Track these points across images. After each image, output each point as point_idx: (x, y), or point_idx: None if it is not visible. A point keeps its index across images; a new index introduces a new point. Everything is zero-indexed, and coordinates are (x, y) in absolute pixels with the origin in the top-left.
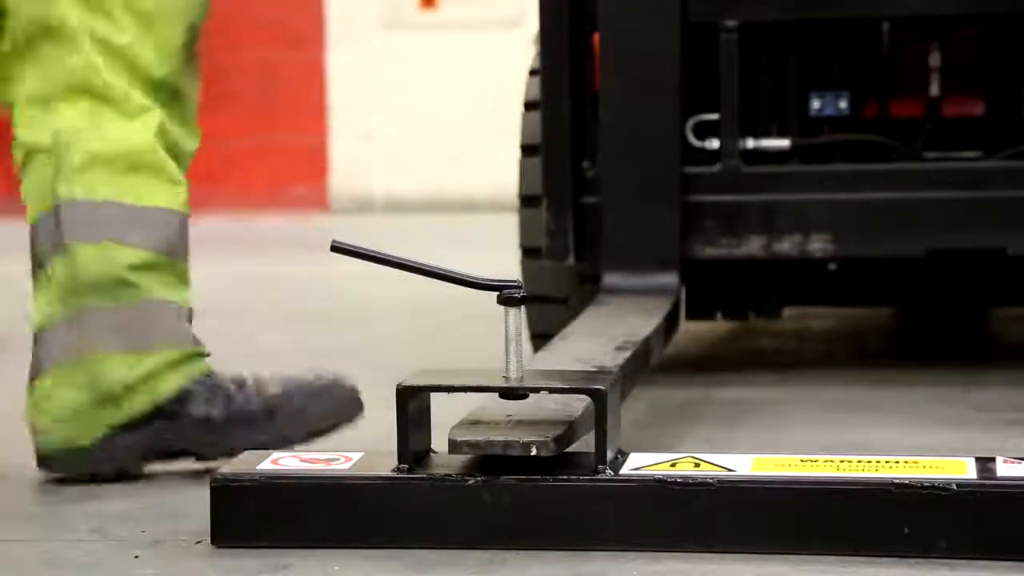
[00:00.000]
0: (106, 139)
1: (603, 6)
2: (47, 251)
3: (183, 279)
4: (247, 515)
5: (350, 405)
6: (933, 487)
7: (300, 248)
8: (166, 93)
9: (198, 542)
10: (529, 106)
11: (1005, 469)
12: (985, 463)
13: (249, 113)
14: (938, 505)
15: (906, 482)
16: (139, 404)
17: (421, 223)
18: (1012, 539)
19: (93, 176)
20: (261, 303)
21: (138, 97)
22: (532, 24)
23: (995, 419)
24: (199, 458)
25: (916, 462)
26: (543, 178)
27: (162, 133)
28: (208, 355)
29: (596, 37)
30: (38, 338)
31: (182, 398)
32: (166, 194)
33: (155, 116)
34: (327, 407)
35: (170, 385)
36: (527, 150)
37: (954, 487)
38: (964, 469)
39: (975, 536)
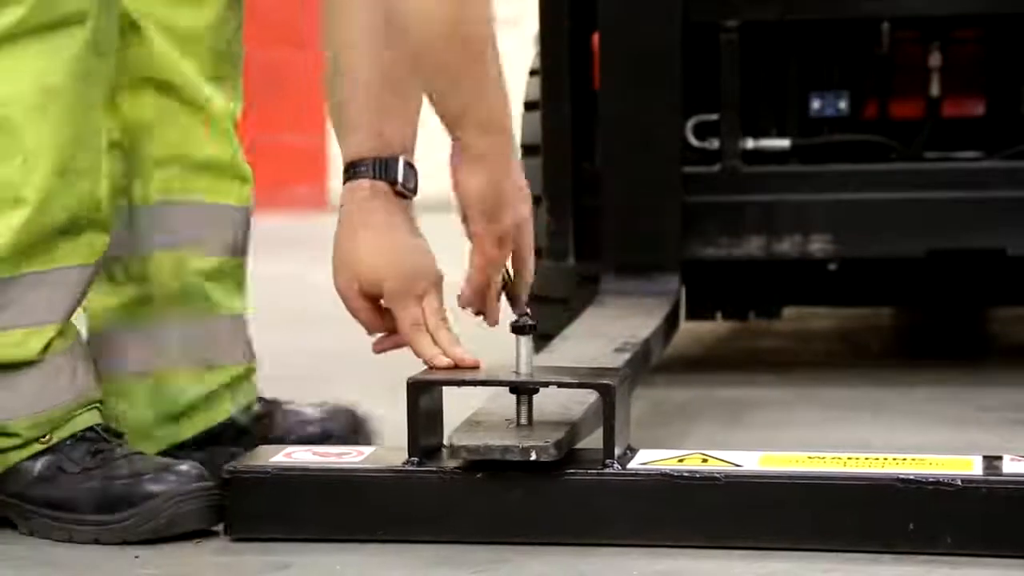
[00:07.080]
0: (177, 135)
1: (603, 6)
2: (115, 251)
3: (243, 281)
4: (259, 508)
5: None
6: (939, 483)
7: (300, 248)
8: (231, 62)
9: (198, 542)
10: (529, 106)
11: (1012, 466)
12: (991, 460)
13: (250, 113)
14: (944, 501)
15: (912, 478)
16: (199, 425)
17: (420, 223)
18: (1017, 536)
19: (167, 175)
20: (261, 303)
21: (203, 87)
22: (532, 24)
23: (996, 419)
24: None
25: (922, 460)
26: (543, 178)
27: (229, 117)
28: (255, 370)
29: (596, 37)
30: (101, 338)
31: (237, 423)
32: (235, 191)
33: (219, 104)
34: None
35: (227, 408)
36: (527, 150)
37: (959, 483)
38: (970, 466)
39: (980, 533)
